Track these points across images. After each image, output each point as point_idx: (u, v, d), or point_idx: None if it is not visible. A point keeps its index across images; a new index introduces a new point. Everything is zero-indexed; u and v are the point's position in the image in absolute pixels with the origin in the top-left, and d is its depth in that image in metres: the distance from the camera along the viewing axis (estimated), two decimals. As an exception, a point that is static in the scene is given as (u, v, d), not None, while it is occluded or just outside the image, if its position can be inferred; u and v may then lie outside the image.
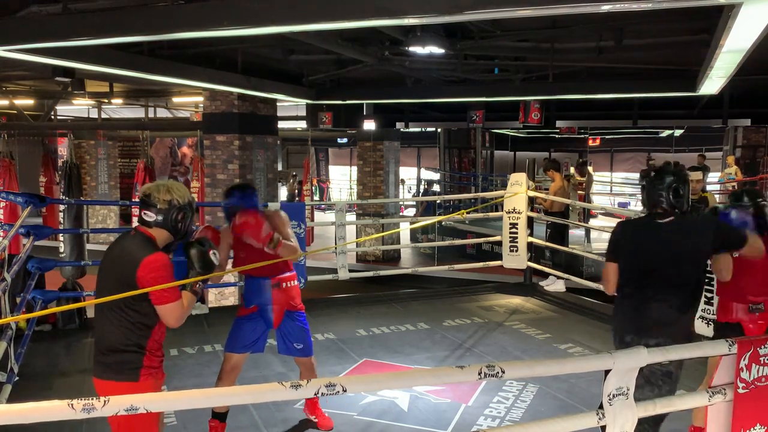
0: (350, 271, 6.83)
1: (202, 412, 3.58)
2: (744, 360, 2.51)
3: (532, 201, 7.39)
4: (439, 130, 17.34)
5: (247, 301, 3.69)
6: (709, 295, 4.46)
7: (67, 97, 13.10)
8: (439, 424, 3.92)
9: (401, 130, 14.82)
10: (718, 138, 15.71)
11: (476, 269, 8.96)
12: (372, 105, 13.19)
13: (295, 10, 4.01)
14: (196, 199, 11.99)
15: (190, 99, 13.96)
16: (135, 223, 2.74)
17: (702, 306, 4.57)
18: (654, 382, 2.92)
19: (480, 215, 11.14)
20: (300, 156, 22.25)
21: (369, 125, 13.34)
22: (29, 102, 14.50)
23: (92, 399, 1.91)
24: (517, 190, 6.96)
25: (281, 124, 12.81)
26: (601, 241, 12.70)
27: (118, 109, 16.16)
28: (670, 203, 3.02)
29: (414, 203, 18.87)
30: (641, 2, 3.51)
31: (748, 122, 12.06)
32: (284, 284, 3.69)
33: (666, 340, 2.85)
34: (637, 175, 20.22)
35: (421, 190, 20.28)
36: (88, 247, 10.80)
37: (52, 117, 15.06)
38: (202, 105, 11.60)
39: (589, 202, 13.62)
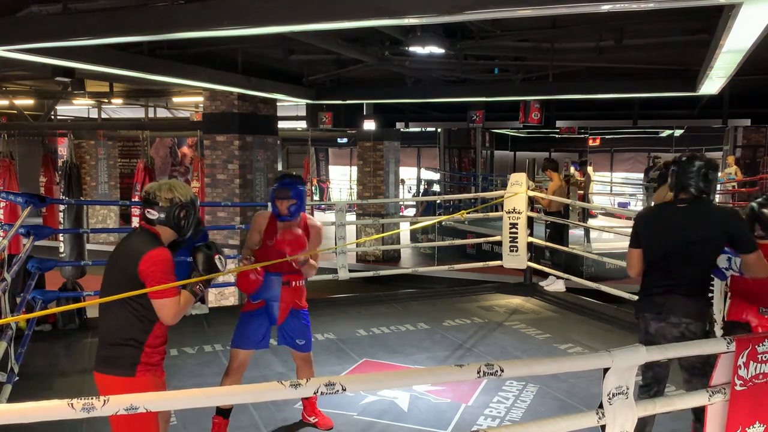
0: (350, 271, 6.83)
1: (203, 412, 3.58)
2: (742, 357, 2.51)
3: (532, 201, 7.39)
4: (439, 130, 17.33)
5: (254, 295, 3.70)
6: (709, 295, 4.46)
7: (67, 97, 13.09)
8: (439, 424, 3.92)
9: (401, 130, 14.82)
10: (718, 138, 15.69)
11: (476, 269, 8.96)
12: (372, 105, 13.18)
13: (295, 10, 4.01)
14: (196, 199, 12.07)
15: (190, 99, 13.96)
16: (134, 223, 2.75)
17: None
18: (699, 372, 3.06)
19: (480, 215, 11.14)
20: (300, 156, 22.25)
21: (369, 125, 13.33)
22: (29, 102, 14.50)
23: (92, 399, 1.91)
24: (517, 190, 6.97)
25: (281, 124, 12.81)
26: (601, 241, 12.72)
27: (118, 109, 16.15)
28: (699, 188, 3.11)
29: (414, 203, 18.87)
30: (641, 2, 3.51)
31: (748, 122, 12.06)
32: (294, 283, 3.72)
33: (687, 321, 3.03)
34: (636, 175, 20.32)
35: (421, 190, 20.28)
36: (88, 247, 10.80)
37: (52, 117, 15.05)
38: (202, 105, 11.60)
39: (588, 202, 13.61)
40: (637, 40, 6.88)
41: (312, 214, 14.33)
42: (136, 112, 16.07)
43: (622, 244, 11.67)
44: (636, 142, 19.15)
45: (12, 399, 3.80)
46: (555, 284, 7.42)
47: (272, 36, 6.83)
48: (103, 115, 15.25)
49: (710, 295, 3.23)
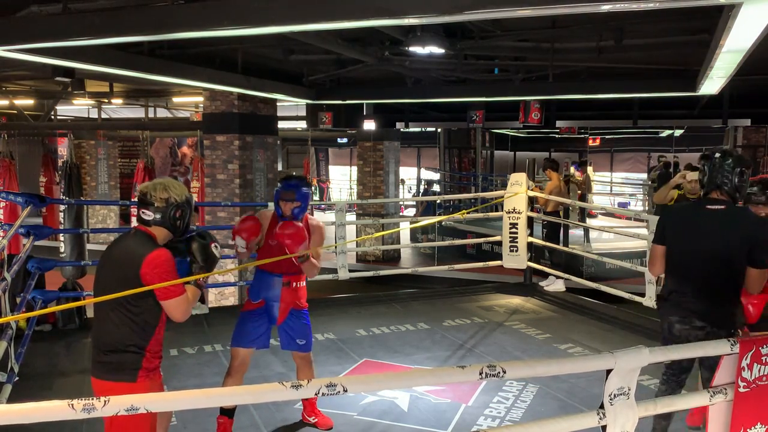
0: (350, 271, 6.83)
1: (203, 412, 3.58)
2: (746, 359, 2.51)
3: (532, 201, 7.40)
4: (439, 130, 17.33)
5: (254, 295, 3.70)
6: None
7: (67, 97, 13.09)
8: (439, 424, 3.91)
9: (401, 130, 14.81)
10: (718, 138, 15.68)
11: (476, 269, 8.96)
12: (372, 105, 13.18)
13: (295, 10, 4.01)
14: (196, 199, 12.03)
15: (190, 99, 13.96)
16: (134, 222, 2.74)
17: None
18: None
19: (480, 215, 11.14)
20: (300, 156, 22.25)
21: (369, 125, 13.33)
22: (29, 102, 14.50)
23: (92, 399, 1.91)
24: (517, 190, 6.97)
25: (281, 124, 12.81)
26: (601, 241, 12.73)
27: (118, 109, 16.15)
28: (733, 186, 3.03)
29: (414, 203, 18.86)
30: (641, 2, 3.51)
31: (748, 122, 12.06)
32: (294, 284, 3.71)
33: (712, 326, 2.99)
34: (636, 175, 20.33)
35: (421, 190, 20.28)
36: (89, 247, 10.79)
37: (52, 117, 15.05)
38: (202, 105, 11.60)
39: (588, 202, 13.61)
40: (637, 40, 6.88)
41: (312, 214, 14.33)
42: (136, 112, 16.08)
43: (622, 244, 11.74)
44: (636, 142, 19.15)
45: (12, 399, 3.79)
46: (555, 284, 7.42)
47: (272, 36, 6.83)
48: (103, 115, 15.26)
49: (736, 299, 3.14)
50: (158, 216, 2.62)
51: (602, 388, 2.42)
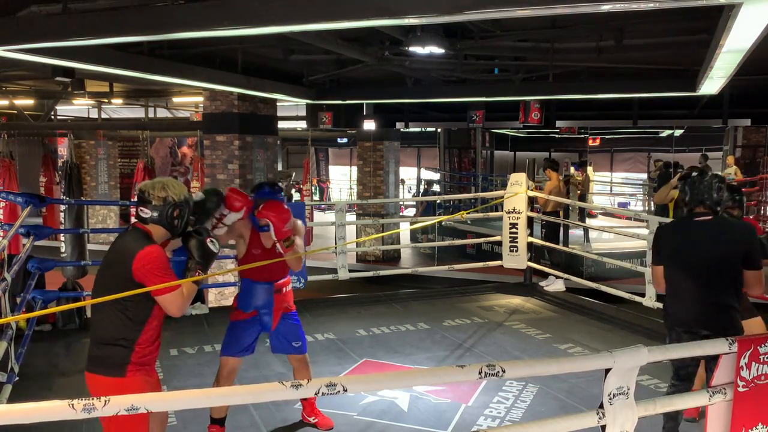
0: (350, 271, 6.83)
1: (202, 412, 3.58)
2: (744, 358, 2.51)
3: (532, 201, 7.39)
4: (439, 130, 17.33)
5: (245, 305, 3.63)
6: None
7: (67, 97, 13.09)
8: (439, 424, 3.92)
9: (401, 130, 14.82)
10: (718, 138, 15.68)
11: (476, 269, 8.96)
12: (372, 105, 13.18)
13: (295, 10, 4.01)
14: (196, 199, 12.06)
15: (190, 99, 13.96)
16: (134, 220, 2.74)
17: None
18: None
19: (480, 215, 11.14)
20: (300, 156, 22.24)
21: (369, 125, 13.33)
22: (29, 102, 14.50)
23: (92, 399, 1.91)
24: (517, 190, 6.97)
25: (281, 124, 12.81)
26: (601, 241, 12.73)
27: (118, 109, 16.15)
28: (714, 200, 3.24)
29: (414, 203, 18.86)
30: (641, 2, 3.51)
31: (748, 122, 12.06)
32: (284, 289, 3.71)
33: (717, 336, 3.01)
34: (636, 175, 20.32)
35: (421, 190, 20.28)
36: (89, 247, 10.80)
37: (52, 117, 15.05)
38: (202, 105, 11.60)
39: (587, 202, 13.60)
40: (637, 40, 6.89)
41: (312, 214, 14.32)
42: (136, 112, 16.08)
43: (622, 244, 11.72)
44: (636, 142, 19.16)
45: (12, 399, 3.80)
46: (555, 284, 7.42)
47: (272, 36, 6.83)
48: (103, 115, 15.26)
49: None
50: (155, 214, 2.63)
51: (602, 388, 2.42)
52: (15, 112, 14.90)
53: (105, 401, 1.91)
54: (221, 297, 9.77)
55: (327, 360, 4.98)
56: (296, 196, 18.26)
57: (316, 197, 21.89)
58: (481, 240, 9.33)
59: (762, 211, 12.63)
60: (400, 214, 18.67)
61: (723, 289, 3.17)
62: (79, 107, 15.61)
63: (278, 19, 4.06)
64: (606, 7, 3.56)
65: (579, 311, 6.63)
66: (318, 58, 8.53)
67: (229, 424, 3.68)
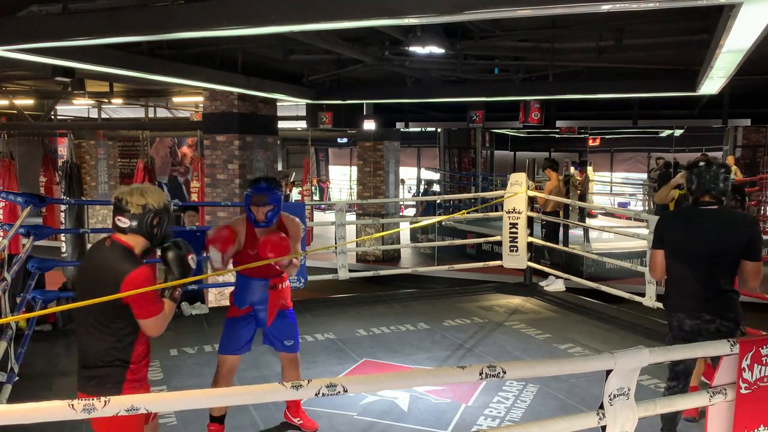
0: (350, 271, 6.83)
1: (203, 412, 3.58)
2: (746, 360, 2.51)
3: (532, 201, 7.40)
4: (439, 130, 17.33)
5: (240, 301, 3.64)
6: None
7: (67, 97, 13.10)
8: (439, 424, 3.92)
9: (401, 130, 14.81)
10: (718, 138, 15.68)
11: (476, 269, 8.96)
12: (372, 105, 13.18)
13: (295, 10, 4.01)
14: (197, 199, 12.03)
15: (190, 99, 13.96)
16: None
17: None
18: None
19: (480, 215, 11.14)
20: (300, 156, 22.24)
21: (369, 125, 13.33)
22: (29, 102, 14.50)
23: (92, 399, 1.91)
24: (517, 190, 6.97)
25: (281, 124, 12.81)
26: (601, 241, 12.73)
27: (118, 109, 16.15)
28: (720, 189, 3.26)
29: (414, 203, 18.86)
30: (641, 2, 3.51)
31: (748, 122, 12.06)
32: (280, 285, 3.69)
33: (722, 318, 3.15)
34: (636, 175, 20.32)
35: (421, 190, 20.28)
36: (89, 247, 10.77)
37: (52, 117, 15.05)
38: (202, 105, 11.60)
39: (587, 202, 13.60)
40: (637, 40, 6.89)
41: (312, 214, 14.32)
42: (136, 112, 16.08)
43: (622, 244, 11.72)
44: (636, 142, 19.17)
45: (12, 399, 3.79)
46: (555, 284, 7.42)
47: (272, 36, 6.83)
48: (103, 115, 15.26)
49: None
50: (134, 223, 2.49)
51: (602, 389, 2.42)
52: (15, 112, 14.90)
53: (105, 401, 1.91)
54: (221, 297, 9.77)
55: (327, 360, 4.98)
56: (295, 195, 18.26)
57: (316, 197, 21.89)
58: (481, 240, 9.33)
59: (762, 211, 12.63)
60: (400, 214, 18.67)
61: (724, 276, 3.21)
62: (79, 107, 15.61)
63: (278, 19, 4.06)
64: (606, 7, 3.56)
65: (579, 311, 6.63)
66: (318, 58, 8.52)
67: (229, 424, 3.68)
